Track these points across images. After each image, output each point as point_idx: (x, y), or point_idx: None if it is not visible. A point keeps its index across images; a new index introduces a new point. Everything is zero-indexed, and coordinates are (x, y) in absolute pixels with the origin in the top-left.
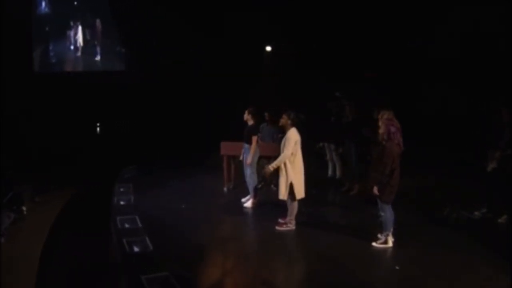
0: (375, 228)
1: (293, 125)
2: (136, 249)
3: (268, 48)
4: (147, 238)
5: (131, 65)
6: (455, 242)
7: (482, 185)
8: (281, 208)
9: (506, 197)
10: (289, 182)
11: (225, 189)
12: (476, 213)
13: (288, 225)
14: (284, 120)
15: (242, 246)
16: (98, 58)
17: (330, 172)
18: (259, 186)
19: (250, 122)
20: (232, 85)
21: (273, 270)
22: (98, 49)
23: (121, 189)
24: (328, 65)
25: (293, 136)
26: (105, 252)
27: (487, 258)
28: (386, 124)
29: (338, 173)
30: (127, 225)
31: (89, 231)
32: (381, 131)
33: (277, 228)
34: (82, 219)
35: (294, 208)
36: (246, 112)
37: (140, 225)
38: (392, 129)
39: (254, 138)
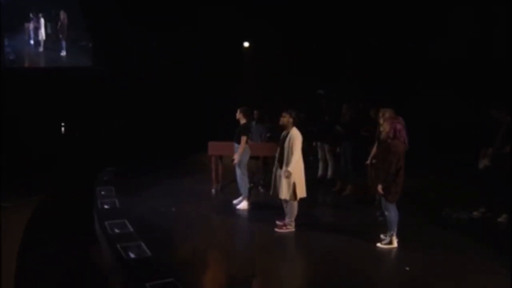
0: (375, 228)
1: (294, 124)
2: (133, 255)
3: (246, 44)
4: (143, 244)
5: (99, 61)
6: (456, 242)
7: (482, 185)
8: (274, 209)
9: (505, 197)
10: (292, 182)
11: (213, 190)
12: (475, 213)
13: (287, 227)
14: (285, 119)
15: (243, 249)
16: (63, 53)
17: (320, 171)
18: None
19: (242, 121)
20: (216, 84)
21: (278, 272)
22: (64, 44)
23: (102, 192)
24: (325, 65)
25: (298, 136)
26: (91, 258)
27: (488, 258)
28: (390, 122)
29: (330, 172)
30: (117, 230)
31: (68, 236)
32: (386, 129)
33: (277, 230)
34: (58, 224)
35: (294, 208)
36: (238, 111)
37: (131, 229)
38: (398, 126)
39: (243, 138)
